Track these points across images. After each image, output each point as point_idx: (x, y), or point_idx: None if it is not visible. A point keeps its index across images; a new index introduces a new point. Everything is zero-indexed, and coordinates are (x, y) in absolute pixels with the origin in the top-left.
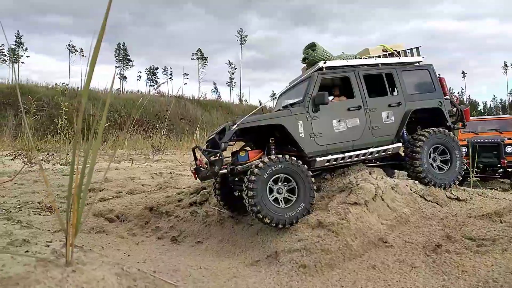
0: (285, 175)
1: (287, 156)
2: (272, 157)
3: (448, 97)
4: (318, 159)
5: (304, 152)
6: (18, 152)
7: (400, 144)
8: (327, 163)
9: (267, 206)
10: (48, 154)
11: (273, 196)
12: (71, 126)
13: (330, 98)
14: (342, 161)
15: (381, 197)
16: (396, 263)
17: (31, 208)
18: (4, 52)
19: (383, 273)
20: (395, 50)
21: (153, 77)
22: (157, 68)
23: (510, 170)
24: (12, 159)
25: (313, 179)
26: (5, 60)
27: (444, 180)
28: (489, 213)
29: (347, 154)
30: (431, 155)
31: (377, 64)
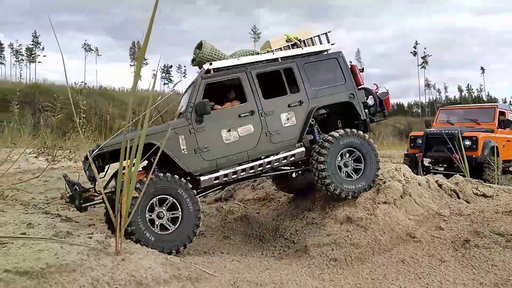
0: (165, 196)
1: (168, 175)
2: (152, 177)
3: (363, 86)
4: (202, 178)
5: (189, 170)
6: (41, 150)
7: (302, 148)
8: (216, 181)
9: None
10: (70, 151)
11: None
12: (88, 125)
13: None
14: (235, 176)
15: (408, 193)
16: (425, 257)
17: (58, 204)
18: (21, 52)
19: (413, 267)
20: (299, 40)
21: (167, 75)
22: (171, 66)
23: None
24: (35, 157)
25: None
26: (23, 60)
27: (352, 189)
28: None
29: (240, 168)
30: (343, 159)
31: (276, 59)
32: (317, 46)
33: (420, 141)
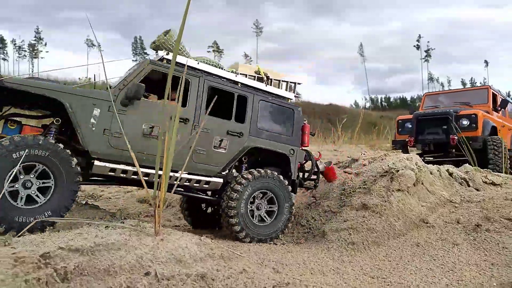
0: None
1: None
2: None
3: (306, 149)
4: (97, 163)
5: (87, 148)
6: None
7: (220, 180)
8: (111, 173)
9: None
10: None
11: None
12: None
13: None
14: (135, 176)
15: (421, 181)
16: (439, 241)
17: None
18: (24, 48)
19: (427, 250)
20: (267, 77)
21: None
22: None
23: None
24: None
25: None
26: (25, 56)
27: (263, 235)
28: None
29: (145, 171)
30: (256, 201)
31: (236, 82)
32: (281, 90)
33: (410, 125)
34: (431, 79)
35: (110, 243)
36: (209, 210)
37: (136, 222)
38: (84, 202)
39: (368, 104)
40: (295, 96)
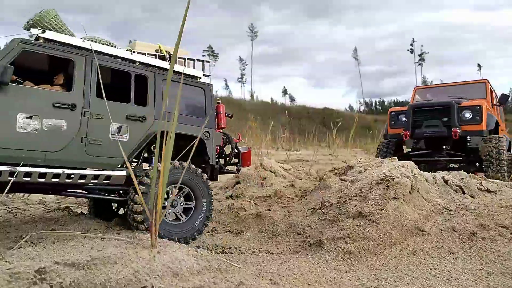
0: None
1: None
2: None
3: (224, 131)
4: None
5: None
6: None
7: (124, 172)
8: None
9: None
10: None
11: None
12: None
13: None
14: (12, 177)
15: (416, 189)
16: (435, 250)
17: (69, 203)
18: None
19: (424, 258)
20: (170, 54)
21: None
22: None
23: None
24: None
25: None
26: None
27: (177, 234)
28: None
29: (24, 170)
30: (169, 197)
31: (134, 61)
32: (187, 68)
33: (405, 117)
34: (424, 82)
35: (106, 256)
36: (121, 210)
37: (132, 233)
38: (79, 212)
39: (362, 108)
40: (204, 75)
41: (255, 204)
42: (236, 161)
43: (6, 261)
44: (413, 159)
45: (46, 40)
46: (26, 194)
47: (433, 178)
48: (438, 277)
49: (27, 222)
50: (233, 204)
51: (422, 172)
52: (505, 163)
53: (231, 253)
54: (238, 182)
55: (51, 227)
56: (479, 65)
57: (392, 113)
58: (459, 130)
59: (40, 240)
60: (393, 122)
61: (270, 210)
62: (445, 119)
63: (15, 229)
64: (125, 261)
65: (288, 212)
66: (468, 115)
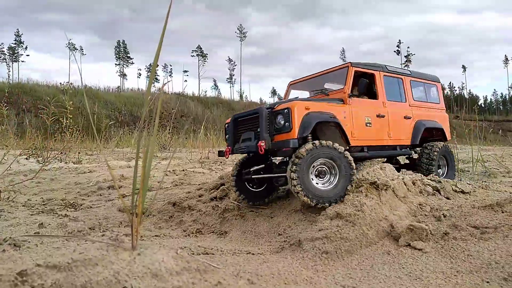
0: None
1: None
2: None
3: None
4: None
5: None
6: (32, 152)
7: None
8: None
9: None
10: (61, 153)
11: None
12: (75, 125)
13: None
14: None
15: (393, 190)
16: (408, 249)
17: (55, 205)
18: (4, 51)
19: (397, 258)
20: None
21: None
22: (157, 66)
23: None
24: (26, 158)
25: None
26: (5, 59)
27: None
28: (491, 204)
29: None
30: None
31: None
32: None
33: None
34: None
35: (87, 258)
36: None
37: (115, 235)
38: (64, 214)
39: None
40: None
41: (239, 205)
42: None
43: None
44: (253, 176)
45: None
46: (13, 196)
47: (411, 180)
48: (410, 275)
49: (11, 225)
50: (218, 206)
51: (400, 174)
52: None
53: (213, 254)
54: (223, 184)
55: (34, 230)
56: (463, 66)
57: (226, 125)
58: (263, 144)
59: (24, 242)
60: (227, 135)
61: (253, 211)
62: (258, 130)
63: None
64: (106, 262)
65: (271, 212)
66: (282, 121)
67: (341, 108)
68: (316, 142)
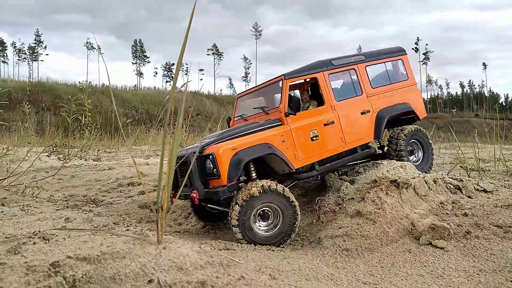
0: None
1: None
2: None
3: None
4: None
5: None
6: (53, 149)
7: None
8: None
9: None
10: (81, 150)
11: None
12: (93, 123)
13: None
14: None
15: (414, 189)
16: (429, 247)
17: (77, 201)
18: (24, 51)
19: (418, 256)
20: None
21: (169, 73)
22: (173, 64)
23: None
24: (47, 155)
25: None
26: (25, 59)
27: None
28: None
29: None
30: None
31: None
32: None
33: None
34: (429, 81)
35: (115, 251)
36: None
37: (139, 230)
38: (88, 210)
39: None
40: None
41: None
42: None
43: (21, 255)
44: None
45: None
46: (37, 192)
47: (432, 178)
48: (432, 274)
49: (39, 219)
50: None
51: (419, 173)
52: None
53: (234, 249)
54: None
55: (61, 224)
56: (484, 64)
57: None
58: (195, 195)
59: (52, 236)
60: None
61: None
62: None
63: (27, 226)
64: (133, 256)
65: None
66: (210, 165)
67: (277, 132)
68: (255, 187)
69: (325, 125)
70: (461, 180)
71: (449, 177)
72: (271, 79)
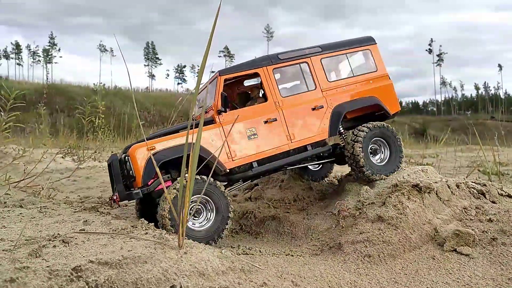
0: None
1: None
2: None
3: None
4: None
5: None
6: (68, 151)
7: None
8: None
9: None
10: (95, 152)
11: None
12: (107, 125)
13: None
14: None
15: (436, 193)
16: (454, 254)
17: (92, 202)
18: (39, 53)
19: (443, 263)
20: None
21: (181, 75)
22: (184, 66)
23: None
24: (62, 157)
25: None
26: (40, 61)
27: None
28: None
29: None
30: None
31: None
32: None
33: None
34: (443, 83)
35: (137, 256)
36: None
37: (158, 234)
38: (106, 212)
39: None
40: None
41: (274, 206)
42: None
43: (42, 259)
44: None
45: None
46: (53, 193)
47: (455, 182)
48: (458, 282)
49: (57, 222)
50: (252, 206)
51: (441, 177)
52: None
53: (253, 254)
54: (256, 184)
55: (79, 227)
56: (499, 65)
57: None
58: (115, 197)
59: (71, 239)
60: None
61: (288, 212)
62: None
63: (46, 228)
64: (154, 260)
65: (307, 215)
66: (129, 168)
67: (206, 132)
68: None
69: (265, 122)
70: (484, 185)
71: (472, 182)
72: (213, 76)
